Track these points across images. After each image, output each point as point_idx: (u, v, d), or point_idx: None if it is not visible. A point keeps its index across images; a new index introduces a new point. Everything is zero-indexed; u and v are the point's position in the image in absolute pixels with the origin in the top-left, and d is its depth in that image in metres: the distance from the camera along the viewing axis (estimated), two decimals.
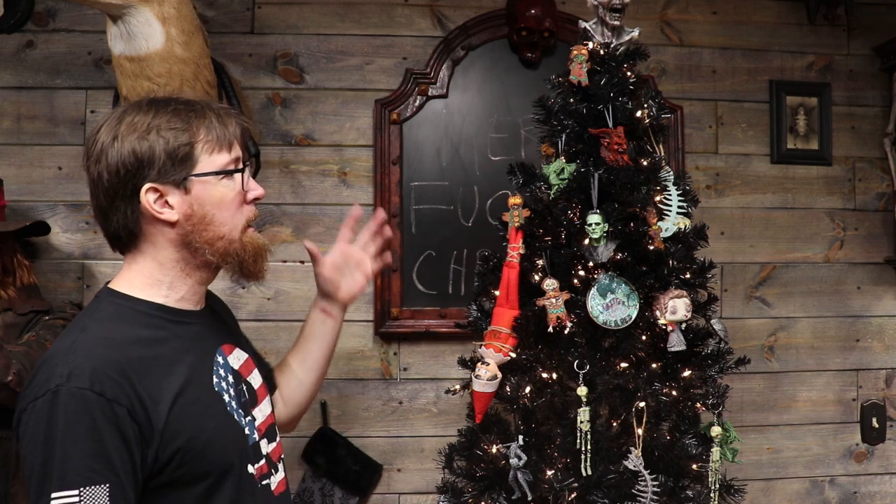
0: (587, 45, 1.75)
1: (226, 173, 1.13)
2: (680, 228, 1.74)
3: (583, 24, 1.79)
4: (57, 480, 0.96)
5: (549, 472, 1.65)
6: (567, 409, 1.68)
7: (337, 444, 2.30)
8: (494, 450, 1.73)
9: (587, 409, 1.62)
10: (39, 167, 2.32)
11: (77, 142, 2.32)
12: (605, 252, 1.67)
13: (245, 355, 1.28)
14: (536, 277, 1.70)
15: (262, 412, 1.24)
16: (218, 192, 1.12)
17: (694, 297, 1.70)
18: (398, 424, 2.38)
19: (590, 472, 1.62)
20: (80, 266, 2.31)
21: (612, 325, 1.65)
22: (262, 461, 1.19)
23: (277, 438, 1.29)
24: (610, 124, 1.70)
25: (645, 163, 1.73)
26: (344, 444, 2.31)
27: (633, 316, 1.66)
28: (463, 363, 1.81)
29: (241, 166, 1.16)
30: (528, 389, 1.69)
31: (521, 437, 1.68)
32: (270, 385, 1.41)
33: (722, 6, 2.53)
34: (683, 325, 1.68)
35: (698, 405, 1.73)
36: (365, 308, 2.37)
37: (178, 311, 1.15)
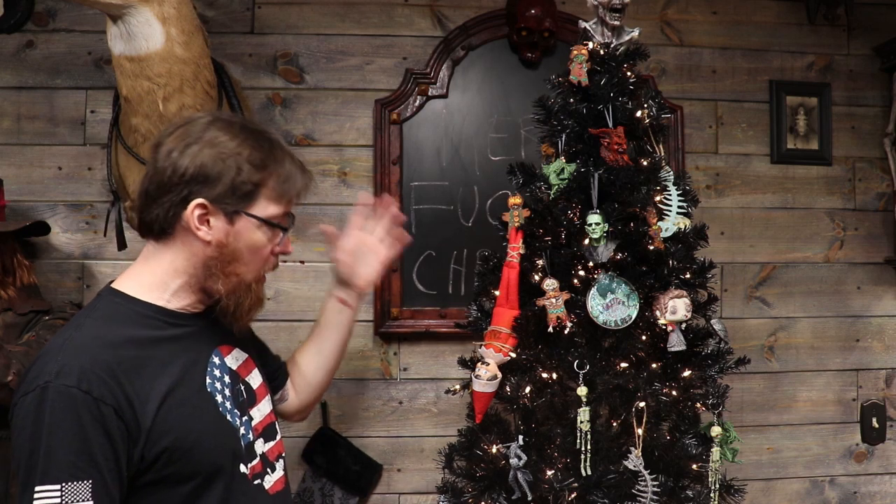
0: (587, 45, 1.75)
1: (274, 226, 1.16)
2: (680, 228, 1.74)
3: (583, 24, 1.79)
4: (40, 474, 0.98)
5: (549, 472, 1.65)
6: (567, 409, 1.68)
7: (337, 444, 2.30)
8: (494, 450, 1.73)
9: (587, 409, 1.62)
10: (39, 167, 2.32)
11: (77, 142, 2.33)
12: (605, 252, 1.67)
13: (245, 355, 1.28)
14: (536, 277, 1.70)
15: (260, 412, 1.25)
16: (255, 237, 1.16)
17: (694, 297, 1.70)
18: (398, 424, 2.38)
19: (590, 472, 1.62)
20: (80, 266, 2.31)
21: (612, 325, 1.65)
22: (257, 460, 1.20)
23: (277, 437, 1.29)
24: (610, 124, 1.70)
25: (645, 163, 1.73)
26: (344, 444, 2.31)
27: (633, 316, 1.66)
28: (463, 363, 1.81)
29: (287, 225, 1.20)
30: (528, 389, 1.69)
31: (521, 437, 1.68)
32: (279, 380, 1.43)
33: (722, 6, 2.53)
34: (683, 325, 1.68)
35: (698, 405, 1.74)
36: (365, 308, 2.37)
37: (176, 314, 1.17)
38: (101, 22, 1.96)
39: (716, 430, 1.68)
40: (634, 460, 1.64)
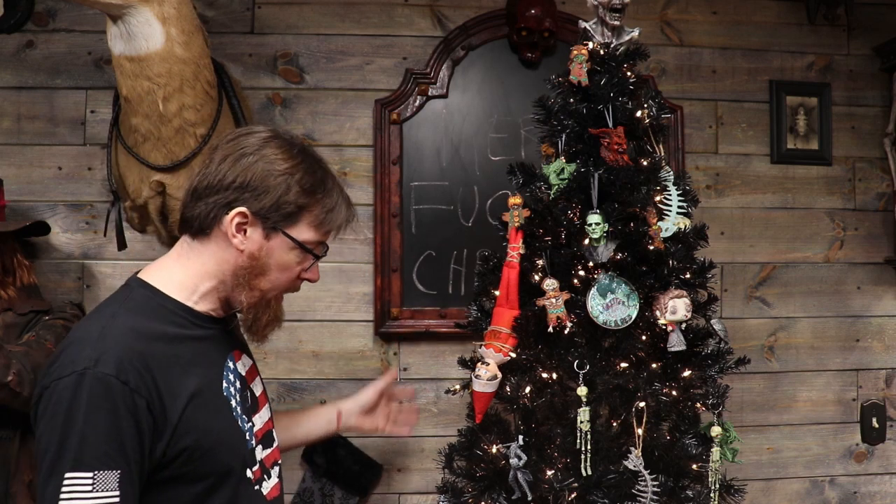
0: (587, 45, 1.75)
1: (308, 252, 1.20)
2: (680, 228, 1.74)
3: (583, 24, 1.79)
4: (72, 461, 0.98)
5: (549, 472, 1.65)
6: (567, 409, 1.68)
7: (337, 444, 2.30)
8: (494, 450, 1.73)
9: (587, 409, 1.62)
10: (39, 167, 2.32)
11: (77, 142, 2.33)
12: (605, 252, 1.67)
13: (251, 362, 1.31)
14: (536, 277, 1.70)
15: (261, 419, 1.27)
16: (287, 257, 1.19)
17: (694, 297, 1.70)
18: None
19: (590, 472, 1.62)
20: (80, 266, 2.31)
21: (612, 325, 1.65)
22: (257, 466, 1.22)
23: (274, 444, 1.31)
24: (610, 124, 1.70)
25: (645, 163, 1.73)
26: (344, 444, 2.30)
27: (633, 316, 1.66)
28: (463, 363, 1.81)
29: (320, 253, 1.23)
30: (528, 389, 1.69)
31: (521, 437, 1.68)
32: None
33: (722, 6, 2.53)
34: (683, 325, 1.68)
35: (698, 405, 1.73)
36: (365, 308, 2.37)
37: (201, 316, 1.19)
38: (101, 22, 1.97)
39: (716, 430, 1.68)
40: (634, 460, 1.64)
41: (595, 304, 1.65)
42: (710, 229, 1.81)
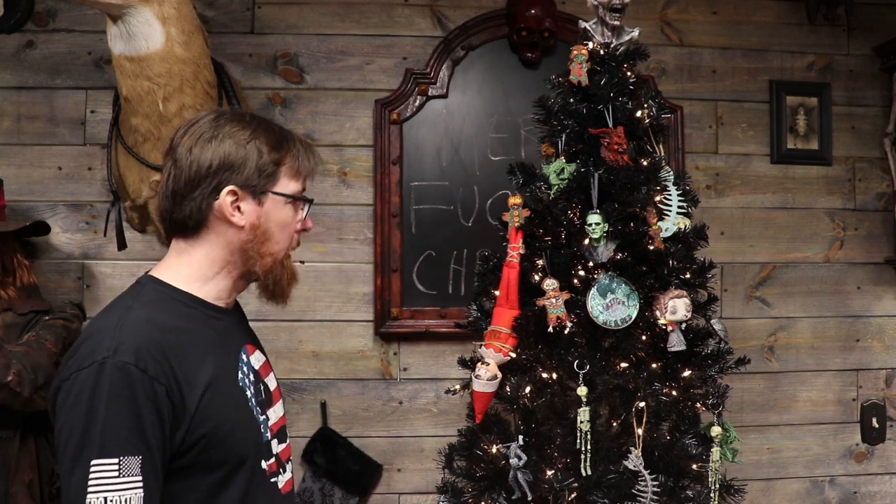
0: (587, 45, 1.75)
1: (298, 199, 1.23)
2: (680, 228, 1.74)
3: (583, 24, 1.79)
4: (97, 448, 1.00)
5: (549, 472, 1.65)
6: (567, 409, 1.68)
7: (337, 444, 2.30)
8: (494, 450, 1.73)
9: (587, 409, 1.62)
10: (39, 167, 2.32)
11: (77, 142, 2.33)
12: (605, 252, 1.67)
13: (264, 358, 1.33)
14: (536, 277, 1.70)
15: (275, 413, 1.29)
16: (283, 214, 1.22)
17: (694, 297, 1.70)
18: (398, 424, 2.38)
19: (590, 472, 1.62)
20: (80, 266, 2.31)
21: (612, 325, 1.65)
22: (273, 459, 1.24)
23: (287, 440, 1.34)
24: (610, 124, 1.70)
25: (645, 163, 1.73)
26: (344, 444, 2.30)
27: (633, 316, 1.66)
28: (463, 363, 1.81)
29: (309, 199, 1.26)
30: (528, 389, 1.69)
31: (521, 437, 1.68)
32: None
33: (722, 6, 2.53)
34: (683, 325, 1.68)
35: (698, 405, 1.73)
36: (365, 308, 2.37)
37: (212, 307, 1.21)
38: (101, 22, 1.97)
39: (716, 430, 1.68)
40: (634, 460, 1.64)
41: (595, 304, 1.65)
42: (710, 229, 1.81)
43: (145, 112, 1.92)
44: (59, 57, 2.33)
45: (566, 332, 1.65)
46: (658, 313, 1.66)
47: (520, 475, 1.65)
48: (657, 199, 1.74)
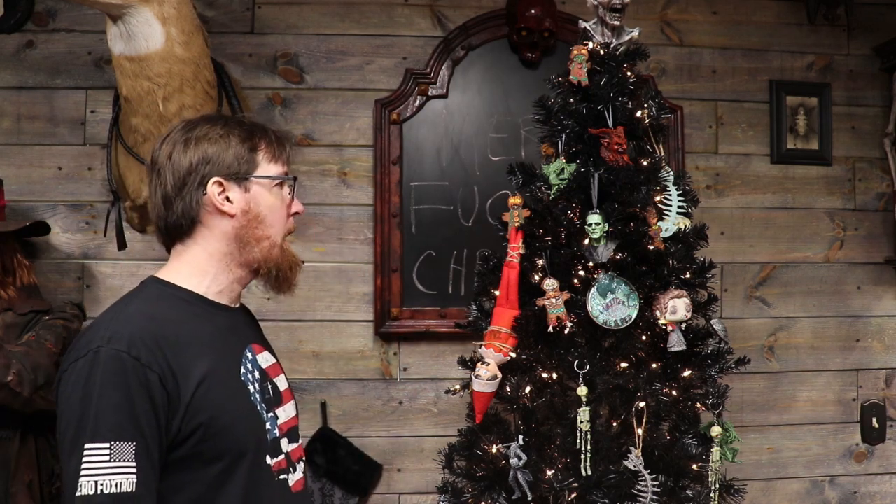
0: (587, 45, 1.75)
1: (281, 180, 1.28)
2: (680, 228, 1.74)
3: (583, 24, 1.79)
4: (91, 433, 1.03)
5: (549, 472, 1.65)
6: (567, 409, 1.68)
7: (337, 444, 2.30)
8: (494, 450, 1.73)
9: (587, 409, 1.62)
10: (39, 167, 2.32)
11: (77, 142, 2.33)
12: (605, 252, 1.67)
13: (273, 360, 1.35)
14: (536, 277, 1.70)
15: (285, 413, 1.30)
16: (271, 198, 1.26)
17: (694, 297, 1.70)
18: (398, 424, 2.38)
19: (590, 472, 1.62)
20: (80, 266, 2.31)
21: (612, 325, 1.65)
22: (282, 457, 1.25)
23: (298, 441, 1.34)
24: (610, 124, 1.70)
25: (645, 163, 1.73)
26: (344, 444, 2.30)
27: (633, 316, 1.66)
28: (463, 363, 1.81)
29: (292, 178, 1.31)
30: (528, 389, 1.69)
31: (521, 437, 1.68)
32: None
33: (722, 6, 2.53)
34: (683, 325, 1.68)
35: (698, 405, 1.73)
36: (365, 308, 2.37)
37: (215, 304, 1.24)
38: (101, 22, 1.97)
39: (716, 430, 1.68)
40: (634, 460, 1.64)
41: (595, 304, 1.65)
42: (710, 229, 1.81)
43: (145, 112, 1.92)
44: (59, 57, 2.33)
45: (566, 332, 1.65)
46: (658, 313, 1.66)
47: (520, 475, 1.65)
48: (657, 199, 1.74)
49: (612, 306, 1.65)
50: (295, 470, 1.29)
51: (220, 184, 1.21)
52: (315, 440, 2.30)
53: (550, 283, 1.66)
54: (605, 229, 1.65)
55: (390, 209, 2.34)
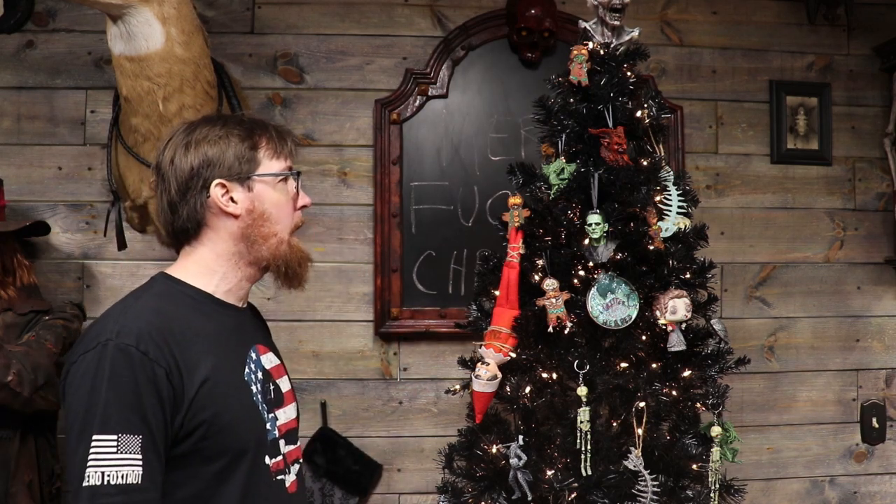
0: (587, 45, 1.75)
1: (283, 176, 1.27)
2: (680, 228, 1.74)
3: (583, 24, 1.79)
4: (99, 424, 1.04)
5: (549, 472, 1.65)
6: (567, 409, 1.68)
7: (337, 444, 2.30)
8: (494, 450, 1.73)
9: (587, 409, 1.62)
10: (39, 167, 2.32)
11: (77, 142, 2.33)
12: (605, 252, 1.67)
13: (277, 361, 1.35)
14: (536, 277, 1.70)
15: (285, 414, 1.30)
16: (275, 195, 1.26)
17: (694, 297, 1.70)
18: (398, 424, 2.38)
19: (590, 472, 1.62)
20: (80, 266, 2.31)
21: (612, 325, 1.65)
22: (280, 458, 1.26)
23: (297, 443, 1.35)
24: (610, 124, 1.70)
25: (645, 163, 1.73)
26: (344, 444, 2.31)
27: (633, 316, 1.66)
28: (463, 363, 1.81)
29: (296, 174, 1.31)
30: (528, 389, 1.69)
31: (521, 437, 1.68)
32: None
33: (722, 6, 2.53)
34: (683, 325, 1.68)
35: (698, 405, 1.73)
36: (365, 308, 2.37)
37: (222, 303, 1.25)
38: (101, 22, 1.96)
39: (716, 430, 1.68)
40: (634, 460, 1.64)
41: (595, 304, 1.65)
42: (710, 229, 1.81)
43: (145, 112, 1.92)
44: (59, 57, 2.33)
45: (566, 332, 1.65)
46: (658, 313, 1.66)
47: (520, 475, 1.65)
48: (657, 199, 1.74)
49: (612, 306, 1.65)
50: (289, 472, 1.29)
51: (223, 185, 1.21)
52: (315, 440, 2.30)
53: (550, 283, 1.66)
54: (605, 229, 1.65)
55: (390, 209, 2.34)
